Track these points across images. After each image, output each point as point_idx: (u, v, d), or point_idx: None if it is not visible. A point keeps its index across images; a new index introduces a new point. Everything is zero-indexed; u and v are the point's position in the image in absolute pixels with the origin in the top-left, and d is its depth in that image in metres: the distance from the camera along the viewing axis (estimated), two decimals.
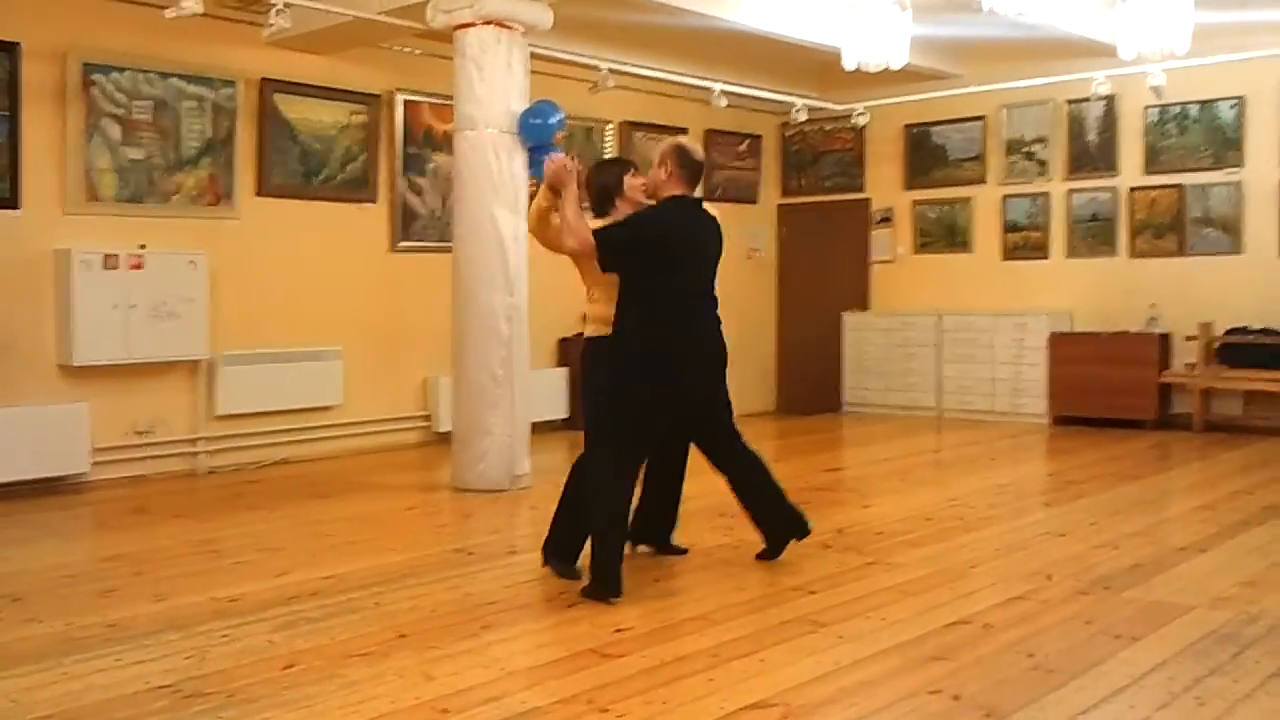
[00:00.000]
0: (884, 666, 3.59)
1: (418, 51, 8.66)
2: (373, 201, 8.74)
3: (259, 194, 8.08)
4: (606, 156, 5.52)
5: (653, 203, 4.88)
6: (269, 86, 8.06)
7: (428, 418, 9.04)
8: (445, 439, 7.64)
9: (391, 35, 8.01)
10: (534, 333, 8.84)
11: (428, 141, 8.99)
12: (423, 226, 9.03)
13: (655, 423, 4.63)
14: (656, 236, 4.68)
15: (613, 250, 4.64)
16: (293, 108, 8.22)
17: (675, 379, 4.60)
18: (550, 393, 9.73)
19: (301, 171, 8.31)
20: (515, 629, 4.03)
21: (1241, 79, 9.30)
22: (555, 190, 4.79)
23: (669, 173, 4.79)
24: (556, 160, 4.79)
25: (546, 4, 7.01)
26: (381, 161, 8.77)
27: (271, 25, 6.85)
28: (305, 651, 3.74)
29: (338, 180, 8.52)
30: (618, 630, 3.93)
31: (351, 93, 8.53)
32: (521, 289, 7.00)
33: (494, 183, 6.81)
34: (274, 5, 6.78)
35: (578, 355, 9.57)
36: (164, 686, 3.42)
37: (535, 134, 6.84)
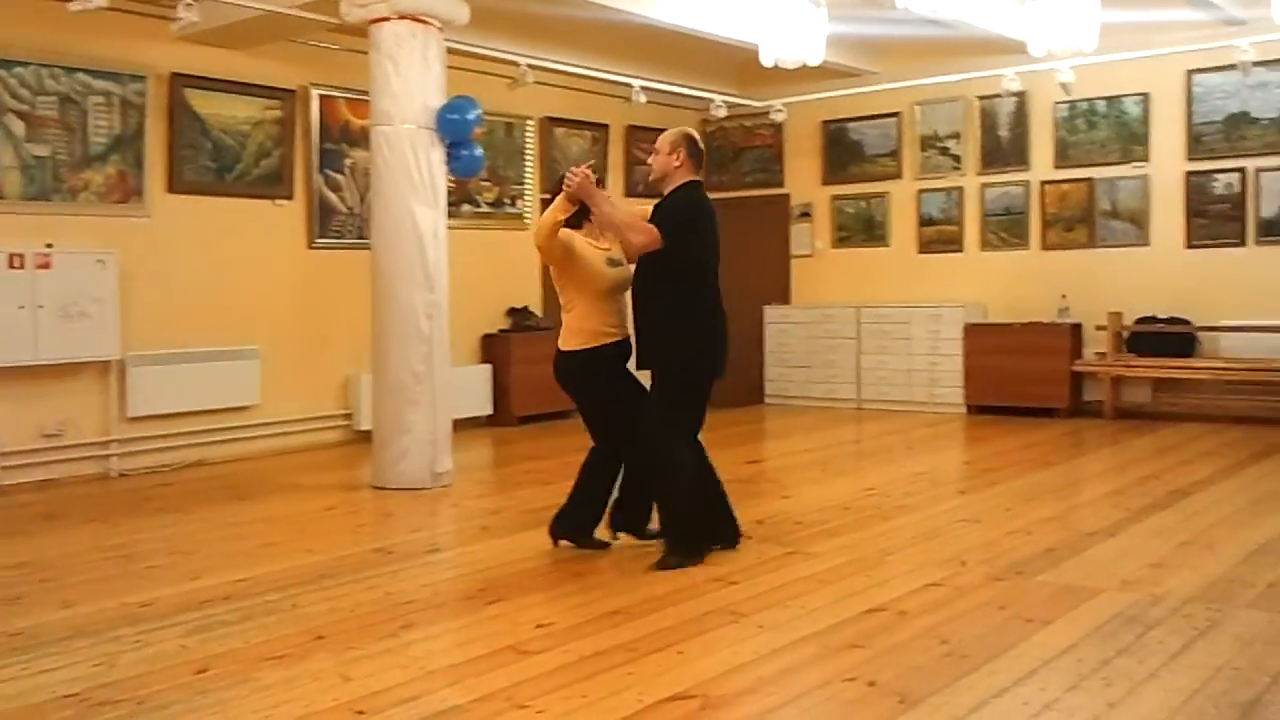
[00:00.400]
0: (801, 655, 3.63)
1: (334, 46, 8.55)
2: (289, 198, 8.62)
3: (170, 191, 7.92)
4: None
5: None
6: (179, 81, 7.90)
7: (349, 416, 8.94)
8: (366, 438, 7.56)
9: (306, 30, 7.90)
10: (456, 329, 8.79)
11: (344, 137, 8.88)
12: (341, 223, 8.92)
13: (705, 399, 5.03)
14: (707, 216, 5.00)
15: (685, 231, 4.87)
16: (204, 103, 8.06)
17: (723, 355, 5.10)
18: (473, 389, 9.69)
19: (214, 168, 8.16)
20: (435, 628, 4.01)
21: (1147, 76, 9.56)
22: (573, 202, 4.90)
23: (680, 160, 4.96)
24: (578, 173, 4.89)
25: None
26: (297, 157, 8.65)
27: (180, 19, 6.72)
28: (219, 656, 3.68)
29: (252, 176, 8.38)
30: (538, 626, 3.93)
31: (265, 88, 8.40)
32: (442, 285, 6.95)
33: (412, 179, 6.75)
34: None
35: (496, 352, 9.50)
36: (71, 695, 3.34)
37: (453, 130, 6.79)
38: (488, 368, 9.92)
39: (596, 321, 4.98)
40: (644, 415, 4.88)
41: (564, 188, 4.89)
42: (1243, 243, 9.37)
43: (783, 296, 11.75)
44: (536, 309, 10.47)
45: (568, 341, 5.05)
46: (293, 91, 8.57)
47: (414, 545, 5.39)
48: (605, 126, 11.09)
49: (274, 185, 8.51)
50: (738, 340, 12.79)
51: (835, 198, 11.42)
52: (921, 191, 10.78)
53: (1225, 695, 3.20)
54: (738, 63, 10.47)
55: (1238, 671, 3.39)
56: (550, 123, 10.60)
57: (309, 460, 8.12)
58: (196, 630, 3.97)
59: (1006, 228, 10.44)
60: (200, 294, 8.07)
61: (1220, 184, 9.44)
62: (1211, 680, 3.32)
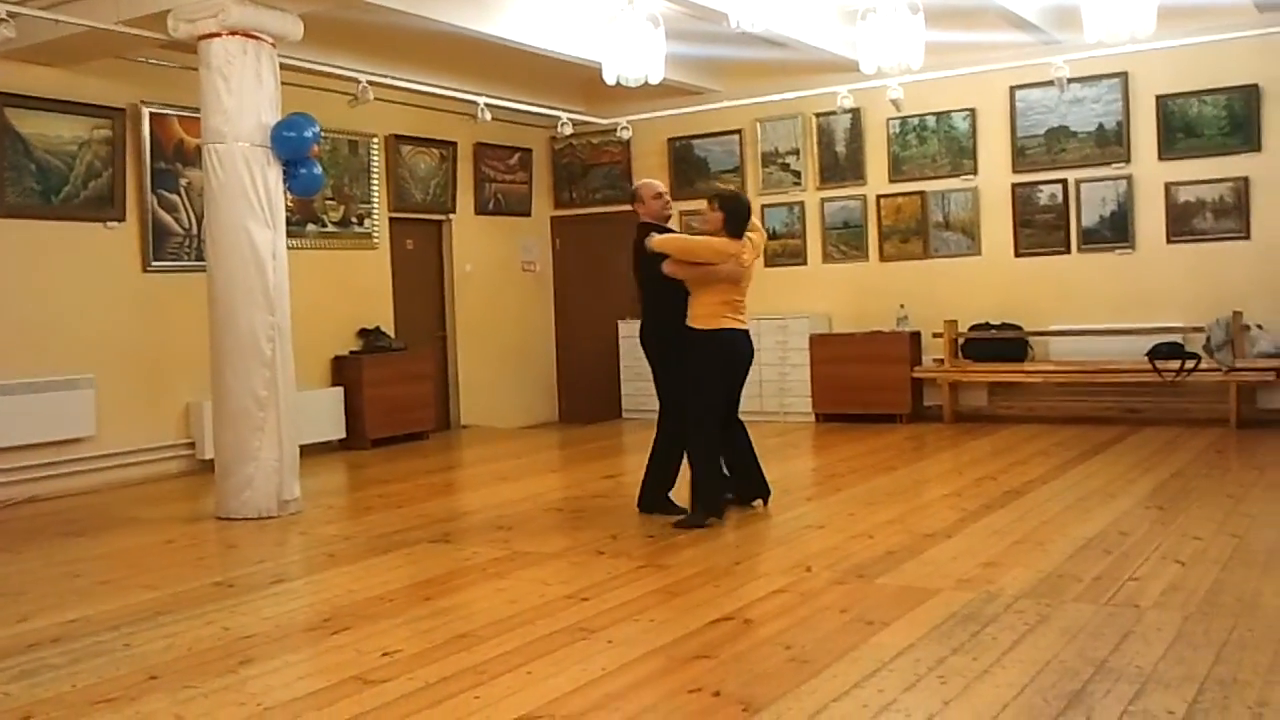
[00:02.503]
0: (649, 669, 3.66)
1: (166, 63, 8.29)
2: (120, 220, 8.31)
3: None
4: (726, 189, 6.54)
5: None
6: (0, 100, 7.54)
7: (191, 445, 8.66)
8: (210, 467, 7.32)
9: (135, 46, 7.64)
10: (304, 352, 8.61)
11: (179, 156, 8.61)
12: (178, 245, 8.64)
13: None
14: None
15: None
16: (27, 122, 7.72)
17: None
18: (324, 413, 9.49)
19: (39, 190, 7.82)
20: (275, 661, 3.89)
21: (973, 92, 9.99)
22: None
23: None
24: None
25: (296, 15, 6.82)
26: (129, 178, 8.35)
27: None
28: (45, 701, 3.52)
29: (80, 199, 8.05)
30: (384, 654, 3.87)
31: (93, 106, 8.09)
32: (283, 307, 6.79)
33: (249, 198, 6.58)
34: None
35: (348, 375, 9.37)
36: None
37: (290, 147, 6.66)
38: (339, 390, 9.73)
39: None
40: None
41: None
42: (1067, 250, 9.86)
43: (636, 311, 11.76)
44: (388, 329, 10.32)
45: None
46: (122, 110, 8.27)
47: (257, 577, 5.24)
48: (453, 144, 11.02)
49: (104, 207, 8.19)
50: (592, 356, 12.93)
51: (684, 213, 11.53)
52: (765, 206, 11.02)
53: (1054, 687, 3.35)
54: (584, 81, 10.54)
55: (1065, 663, 3.55)
56: (396, 140, 10.48)
57: (150, 492, 7.83)
58: (22, 676, 3.78)
59: (846, 240, 10.76)
60: (28, 322, 7.71)
61: (1044, 195, 9.92)
62: (1041, 673, 3.47)
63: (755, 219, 6.46)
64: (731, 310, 6.08)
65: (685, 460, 6.17)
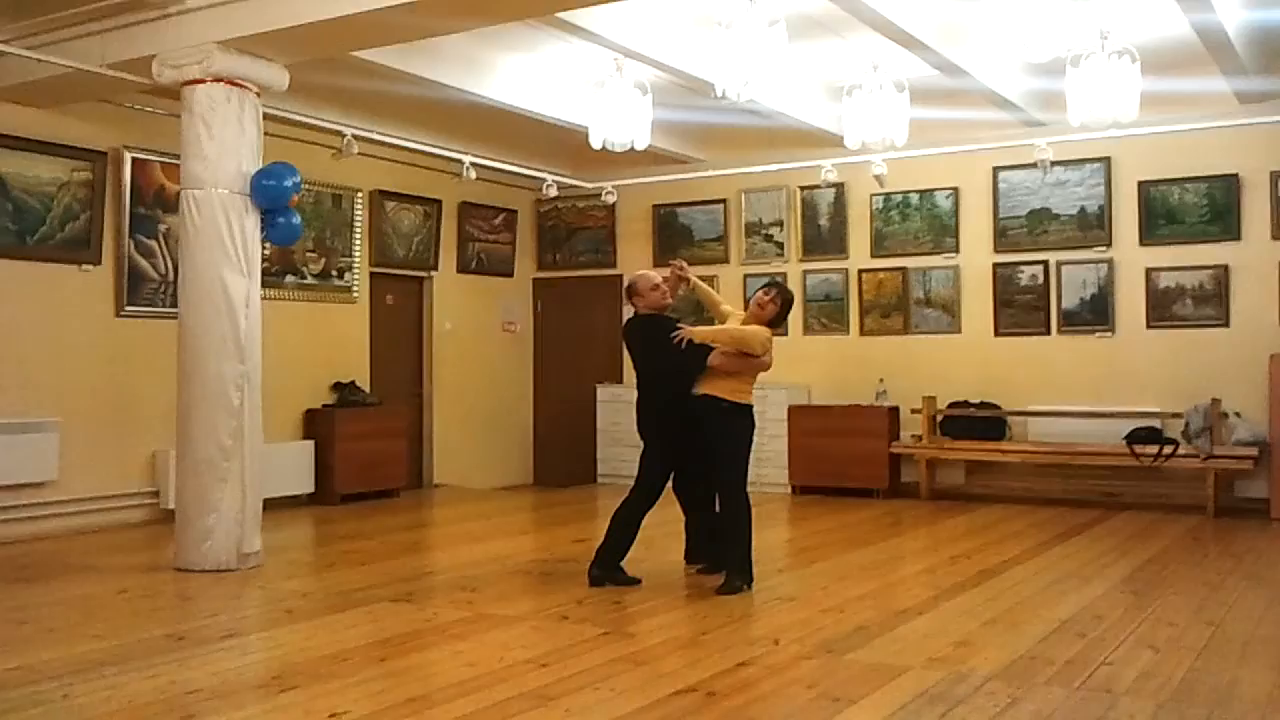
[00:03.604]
0: None
1: (150, 109, 8.27)
2: (96, 263, 8.23)
3: None
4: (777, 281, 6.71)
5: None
6: None
7: (155, 494, 8.49)
8: (173, 517, 7.16)
9: (118, 90, 7.61)
10: (277, 403, 8.52)
11: (159, 202, 8.56)
12: (153, 291, 8.56)
13: None
14: None
15: None
16: (6, 161, 7.68)
17: None
18: (293, 466, 9.35)
19: (14, 230, 7.74)
20: (218, 719, 3.75)
21: (956, 171, 10.07)
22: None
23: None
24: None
25: (282, 65, 6.81)
26: (107, 221, 8.28)
27: None
28: None
29: (56, 240, 7.98)
30: (331, 715, 3.73)
31: (74, 148, 8.05)
32: (254, 356, 6.69)
33: (224, 245, 6.52)
34: None
35: (320, 428, 9.28)
36: None
37: (269, 196, 6.61)
38: (309, 444, 9.59)
39: None
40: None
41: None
42: (1047, 331, 9.87)
43: (615, 375, 11.79)
44: (364, 384, 10.22)
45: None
46: (103, 153, 8.23)
47: (209, 630, 5.08)
48: (438, 202, 11.02)
49: (80, 250, 8.12)
50: (569, 419, 12.86)
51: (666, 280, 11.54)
52: (747, 276, 11.03)
53: None
54: (570, 144, 10.57)
55: None
56: (380, 195, 10.46)
57: (109, 540, 7.65)
58: None
59: (827, 313, 10.75)
60: None
61: (1025, 275, 9.95)
62: None
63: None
64: (751, 388, 6.23)
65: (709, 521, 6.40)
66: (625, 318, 6.42)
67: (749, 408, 6.19)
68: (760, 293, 6.40)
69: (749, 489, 6.28)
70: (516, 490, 11.51)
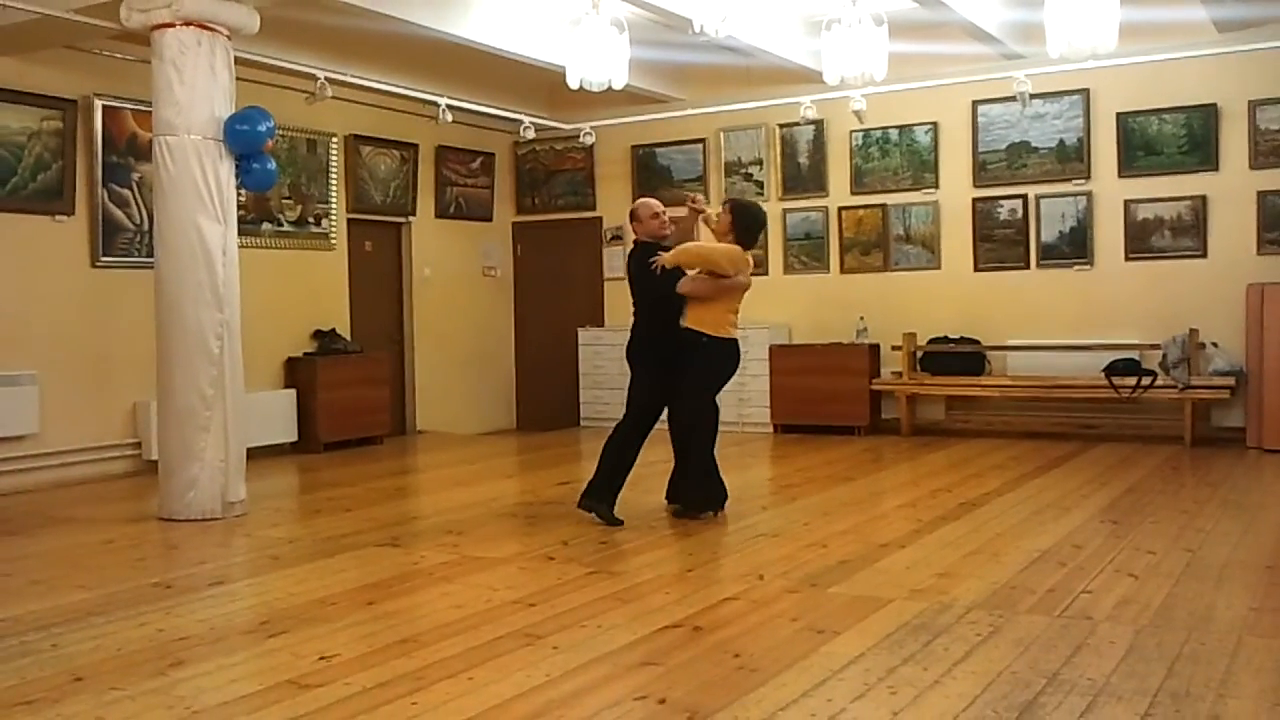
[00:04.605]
0: (594, 675, 3.58)
1: (121, 55, 8.13)
2: (69, 214, 8.13)
3: None
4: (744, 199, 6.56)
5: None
6: None
7: (138, 445, 8.47)
8: (156, 467, 7.15)
9: (87, 36, 7.47)
10: (257, 352, 8.48)
11: (132, 150, 8.44)
12: (128, 241, 8.47)
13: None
14: None
15: None
16: None
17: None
18: (276, 415, 9.34)
19: None
20: (208, 664, 3.76)
21: (935, 105, 10.02)
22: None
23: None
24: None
25: (252, 7, 6.70)
26: (79, 171, 8.17)
27: None
28: None
29: (28, 190, 7.87)
30: (321, 659, 3.75)
31: (43, 96, 7.92)
32: (233, 304, 6.65)
33: (199, 192, 6.44)
34: None
35: (301, 377, 9.28)
36: None
37: (243, 141, 6.53)
38: (291, 392, 9.57)
39: None
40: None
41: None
42: (1027, 265, 9.89)
43: (596, 319, 11.77)
44: (344, 331, 10.17)
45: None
46: (74, 101, 8.10)
47: (196, 579, 5.09)
48: (414, 146, 10.91)
49: (53, 200, 8.02)
50: (551, 363, 12.85)
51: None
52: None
53: (1004, 699, 3.29)
54: (547, 85, 10.48)
55: (1016, 675, 3.50)
56: (356, 140, 10.35)
57: (93, 492, 7.65)
58: None
59: (808, 252, 10.74)
60: None
61: (1004, 210, 9.95)
62: (992, 684, 3.42)
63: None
64: (734, 319, 6.18)
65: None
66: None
67: (732, 343, 6.15)
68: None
69: (721, 423, 6.36)
70: (500, 435, 11.53)
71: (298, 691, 3.44)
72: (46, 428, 7.89)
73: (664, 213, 6.34)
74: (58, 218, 8.07)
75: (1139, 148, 9.42)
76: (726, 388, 6.42)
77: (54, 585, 4.97)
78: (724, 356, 6.15)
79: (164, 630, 4.17)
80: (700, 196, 6.83)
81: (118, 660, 3.80)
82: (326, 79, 8.50)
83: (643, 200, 6.57)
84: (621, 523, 6.04)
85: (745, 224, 6.20)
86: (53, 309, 8.01)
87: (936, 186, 10.20)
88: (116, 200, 8.40)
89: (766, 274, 10.91)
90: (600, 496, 6.12)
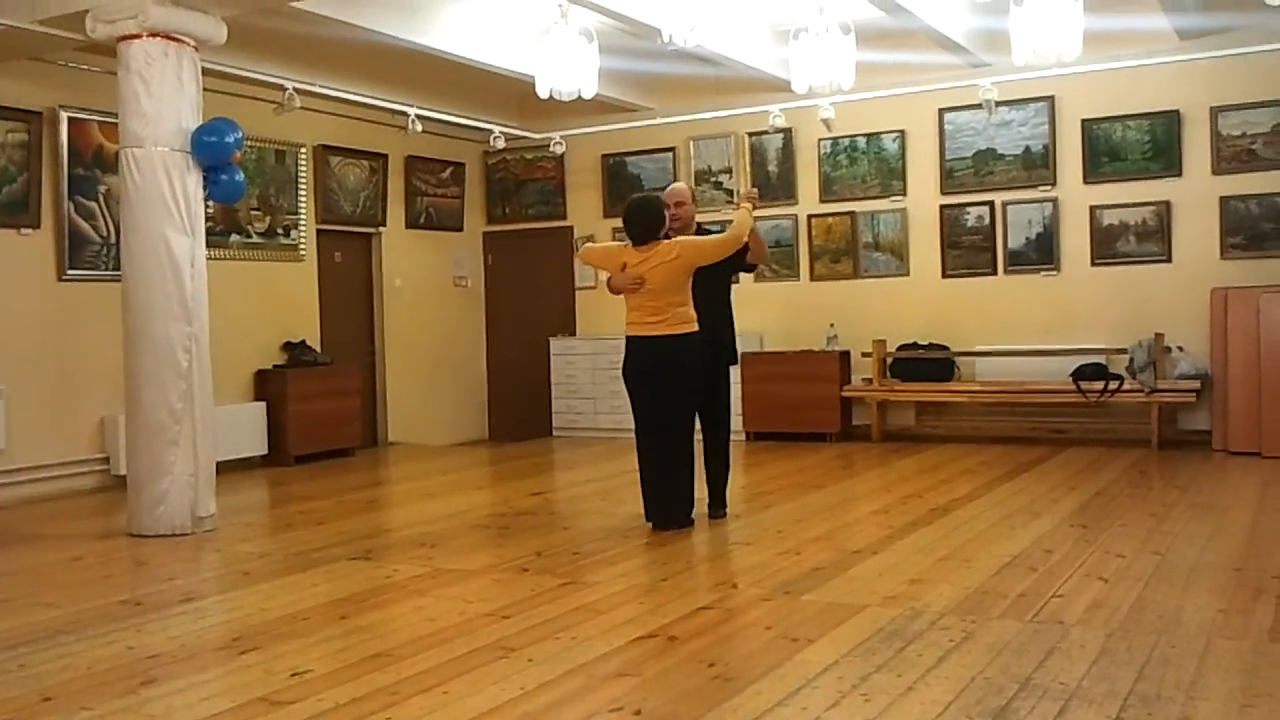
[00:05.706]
0: (569, 687, 3.57)
1: (87, 67, 8.06)
2: (35, 227, 8.05)
3: None
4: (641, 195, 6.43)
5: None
6: None
7: (106, 460, 8.39)
8: (125, 483, 7.08)
9: (52, 48, 7.41)
10: (227, 365, 8.42)
11: (98, 162, 8.37)
12: (95, 254, 8.39)
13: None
14: None
15: None
16: None
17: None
18: (246, 428, 9.27)
19: None
20: (179, 682, 3.73)
21: (902, 114, 10.09)
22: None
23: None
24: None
25: (219, 18, 6.66)
26: (45, 183, 8.09)
27: None
28: None
29: None
30: (293, 675, 3.72)
31: (7, 109, 7.84)
32: (201, 317, 6.60)
33: (167, 204, 6.40)
34: None
35: (271, 389, 9.17)
36: None
37: (211, 153, 6.49)
38: (261, 405, 9.50)
39: None
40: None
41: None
42: (994, 272, 9.97)
43: (568, 328, 11.77)
44: (314, 343, 10.12)
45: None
46: (39, 113, 8.02)
47: (166, 595, 5.05)
48: (384, 156, 10.88)
49: (18, 213, 7.94)
50: (523, 373, 12.80)
51: (616, 230, 11.49)
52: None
53: (978, 704, 3.31)
54: (517, 95, 10.47)
55: (989, 680, 3.52)
56: (325, 151, 10.30)
57: (60, 508, 7.57)
58: None
59: (778, 259, 10.77)
60: None
61: (972, 217, 10.03)
62: (965, 690, 3.44)
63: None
64: (639, 317, 6.12)
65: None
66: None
67: (627, 340, 6.24)
68: None
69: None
70: (472, 446, 11.50)
71: (270, 708, 3.41)
72: (13, 443, 7.81)
73: (675, 207, 6.46)
74: (23, 231, 7.99)
75: (1104, 154, 9.52)
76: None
77: (21, 604, 4.91)
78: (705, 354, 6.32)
79: (134, 648, 4.13)
80: (756, 190, 6.96)
81: (87, 679, 3.76)
82: (295, 89, 8.47)
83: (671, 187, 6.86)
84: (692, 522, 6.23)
85: (631, 220, 6.16)
86: (18, 323, 7.93)
87: (904, 194, 10.27)
88: (83, 213, 8.33)
89: (737, 281, 10.90)
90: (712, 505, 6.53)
